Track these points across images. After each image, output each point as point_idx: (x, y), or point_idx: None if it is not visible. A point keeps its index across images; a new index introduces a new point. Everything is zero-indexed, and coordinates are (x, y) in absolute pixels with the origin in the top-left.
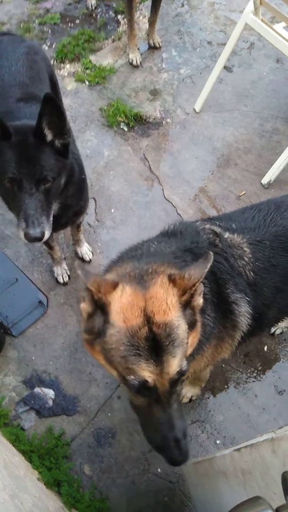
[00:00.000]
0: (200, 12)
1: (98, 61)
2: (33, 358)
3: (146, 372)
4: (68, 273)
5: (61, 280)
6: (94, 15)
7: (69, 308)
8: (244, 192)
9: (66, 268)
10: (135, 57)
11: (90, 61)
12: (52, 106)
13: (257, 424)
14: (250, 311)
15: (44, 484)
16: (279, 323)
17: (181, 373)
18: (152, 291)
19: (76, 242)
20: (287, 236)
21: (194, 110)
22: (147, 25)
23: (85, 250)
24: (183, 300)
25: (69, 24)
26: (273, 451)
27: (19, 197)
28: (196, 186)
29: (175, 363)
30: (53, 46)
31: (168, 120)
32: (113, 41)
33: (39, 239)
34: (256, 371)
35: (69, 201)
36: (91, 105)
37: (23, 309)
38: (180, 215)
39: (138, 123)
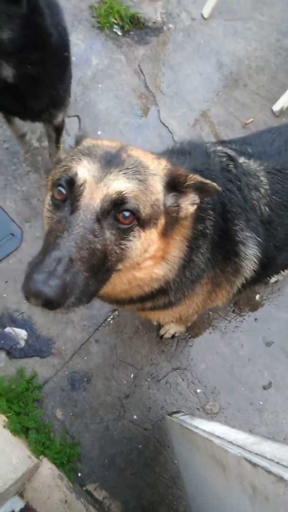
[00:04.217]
0: None
1: None
2: (4, 295)
3: (82, 167)
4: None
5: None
6: None
7: None
8: (251, 119)
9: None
10: None
11: None
12: None
13: (240, 375)
14: (259, 254)
15: (11, 431)
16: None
17: (121, 200)
18: (144, 150)
19: (53, 153)
20: None
21: (202, 15)
22: None
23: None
24: (171, 173)
25: None
26: None
27: None
28: (198, 109)
29: (123, 183)
30: None
31: (171, 25)
32: None
33: None
34: (244, 321)
35: (40, 73)
36: (79, 1)
37: None
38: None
39: (135, 27)
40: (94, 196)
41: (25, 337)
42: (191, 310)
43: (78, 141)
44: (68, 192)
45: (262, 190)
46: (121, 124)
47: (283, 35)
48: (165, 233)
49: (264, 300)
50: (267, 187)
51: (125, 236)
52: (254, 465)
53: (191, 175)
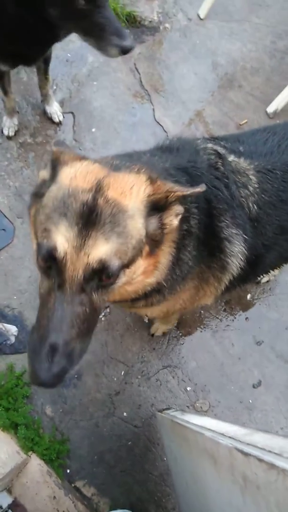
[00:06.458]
0: None
1: None
2: None
3: (61, 237)
4: (16, 129)
5: (6, 132)
6: None
7: None
8: (246, 120)
9: (16, 123)
10: None
11: None
12: None
13: (230, 373)
14: (245, 252)
15: (0, 427)
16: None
17: (102, 267)
18: (121, 173)
19: (45, 97)
20: None
21: (198, 16)
22: None
23: (54, 109)
24: (152, 199)
25: None
26: None
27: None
28: (192, 109)
29: (102, 247)
30: None
31: (167, 25)
32: None
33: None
34: (235, 320)
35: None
36: None
37: None
38: None
39: (131, 26)
40: (76, 267)
41: (16, 333)
42: (177, 306)
43: (54, 162)
44: (51, 261)
45: (251, 188)
46: (116, 122)
47: (278, 37)
48: (152, 252)
49: (255, 300)
50: (256, 185)
51: (111, 286)
52: (246, 454)
53: (172, 191)
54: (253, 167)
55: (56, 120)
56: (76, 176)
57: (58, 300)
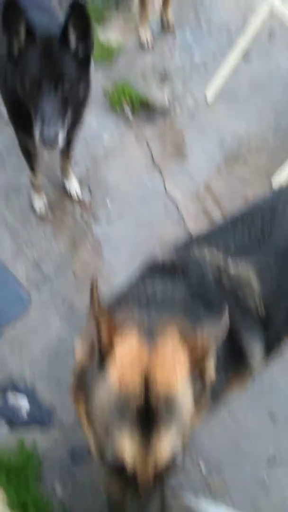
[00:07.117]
0: None
1: (106, 37)
2: (8, 361)
3: (128, 450)
4: (46, 205)
5: (37, 209)
6: None
7: (53, 309)
8: (252, 193)
9: (45, 200)
10: (146, 37)
11: (97, 37)
12: (79, 12)
13: (244, 448)
14: (263, 346)
15: (9, 506)
16: None
17: (171, 461)
18: (159, 350)
19: (65, 174)
20: None
21: (206, 99)
22: (161, 3)
23: (73, 185)
24: (193, 364)
25: None
26: None
27: (37, 98)
28: (201, 183)
29: (166, 447)
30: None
31: (177, 108)
32: (124, 17)
33: (53, 141)
34: (249, 392)
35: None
36: (94, 85)
37: (1, 306)
38: (181, 213)
39: (144, 109)
40: (146, 473)
41: (27, 406)
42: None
43: (100, 343)
44: (120, 469)
45: (256, 290)
46: (130, 196)
47: (281, 116)
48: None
49: (269, 371)
50: (259, 285)
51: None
52: None
53: (207, 343)
54: (250, 266)
55: (74, 195)
56: (123, 373)
57: (136, 504)
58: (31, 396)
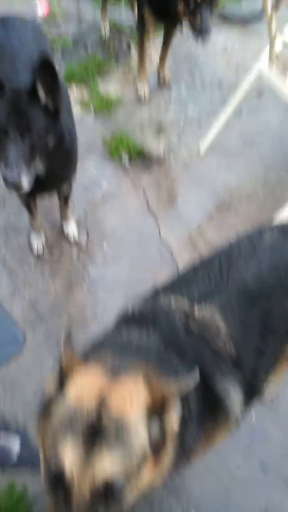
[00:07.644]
0: (213, 54)
1: (105, 89)
2: (1, 401)
3: (69, 457)
4: (44, 245)
5: (35, 248)
6: (107, 44)
7: (46, 350)
8: None
9: (44, 240)
10: (143, 91)
11: (97, 89)
12: (47, 69)
13: (235, 499)
14: (241, 387)
15: None
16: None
17: (107, 485)
18: (119, 382)
19: (63, 217)
20: (248, 289)
21: (199, 151)
22: (158, 59)
23: (71, 228)
24: (152, 407)
25: (81, 50)
26: None
27: (4, 144)
28: (194, 230)
29: (106, 465)
30: (61, 67)
31: (171, 158)
32: (123, 71)
33: (16, 184)
34: (240, 440)
35: (56, 166)
36: (93, 134)
37: None
38: (174, 257)
39: (141, 158)
40: (83, 489)
41: (18, 449)
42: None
43: (62, 373)
44: (59, 480)
45: (223, 332)
46: (125, 239)
47: (270, 170)
48: (155, 455)
49: (259, 420)
50: (225, 327)
51: (116, 501)
52: None
53: (169, 391)
54: (214, 309)
55: (72, 238)
56: (81, 393)
57: None
58: (23, 438)
